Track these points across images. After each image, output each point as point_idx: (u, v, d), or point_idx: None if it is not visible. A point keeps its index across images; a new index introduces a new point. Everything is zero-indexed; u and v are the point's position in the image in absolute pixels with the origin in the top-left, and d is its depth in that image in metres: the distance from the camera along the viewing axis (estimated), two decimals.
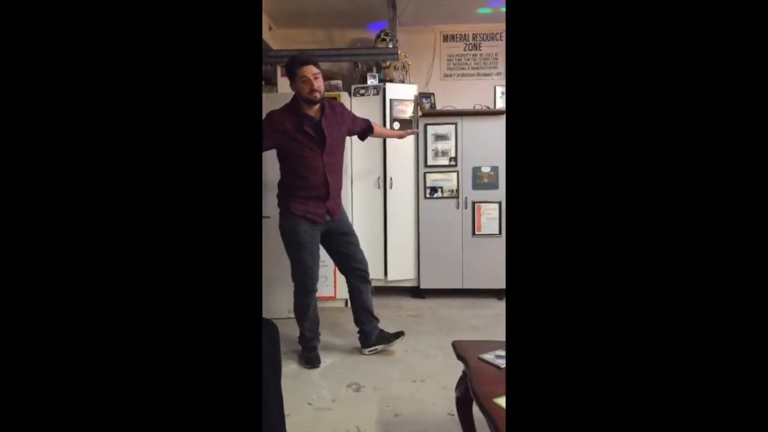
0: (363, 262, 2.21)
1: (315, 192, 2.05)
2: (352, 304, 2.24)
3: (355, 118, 2.27)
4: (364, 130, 2.30)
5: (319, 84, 1.98)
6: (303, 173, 2.05)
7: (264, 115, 2.05)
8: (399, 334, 2.22)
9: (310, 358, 2.14)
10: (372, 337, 2.20)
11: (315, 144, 2.02)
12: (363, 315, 2.21)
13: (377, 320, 2.24)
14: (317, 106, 2.04)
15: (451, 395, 1.41)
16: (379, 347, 2.20)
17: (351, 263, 2.18)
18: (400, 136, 2.51)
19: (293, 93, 2.06)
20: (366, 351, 2.20)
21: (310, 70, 1.95)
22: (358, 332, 2.23)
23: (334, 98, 2.71)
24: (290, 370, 2.04)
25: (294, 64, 1.98)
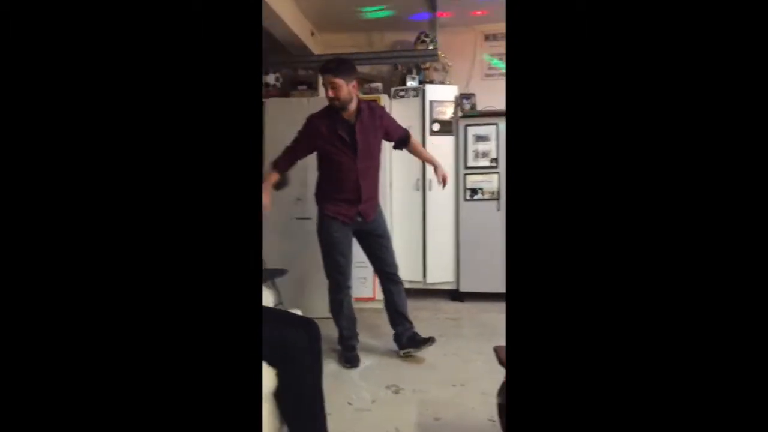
0: (393, 265, 2.21)
1: (347, 195, 2.07)
2: (385, 306, 2.25)
3: (395, 126, 2.24)
4: (401, 140, 2.25)
5: (336, 93, 1.98)
6: (336, 177, 2.08)
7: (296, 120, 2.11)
8: (429, 340, 2.17)
9: (349, 358, 2.16)
10: (403, 338, 2.19)
11: (348, 149, 2.04)
12: (395, 317, 2.21)
13: (410, 323, 2.22)
14: (353, 109, 2.05)
15: (492, 401, 1.38)
16: (411, 350, 2.17)
17: (381, 266, 2.20)
18: (433, 164, 2.27)
19: None
20: (401, 353, 2.19)
21: (327, 79, 2.00)
22: (393, 334, 2.23)
23: (374, 101, 2.72)
24: (330, 369, 2.07)
25: (319, 71, 2.07)
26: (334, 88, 1.98)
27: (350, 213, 2.09)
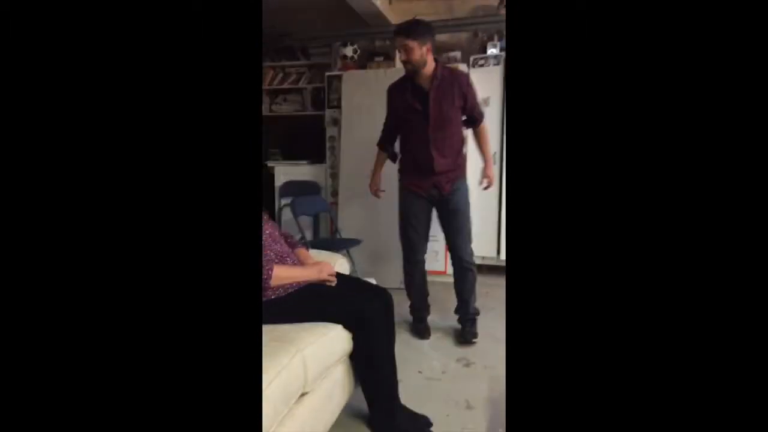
0: (461, 248, 2.07)
1: (421, 167, 2.03)
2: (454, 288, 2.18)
3: (475, 102, 2.06)
4: (472, 117, 2.08)
5: (408, 55, 1.91)
6: (410, 146, 2.06)
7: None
8: (473, 338, 2.07)
9: (419, 329, 2.19)
10: (461, 326, 2.13)
11: (420, 117, 1.98)
12: (458, 302, 2.15)
13: (467, 311, 2.12)
14: (428, 75, 1.96)
15: None
16: (466, 341, 2.07)
17: (451, 246, 2.11)
18: (486, 161, 2.14)
19: None
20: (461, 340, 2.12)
21: (399, 41, 1.93)
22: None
23: (455, 67, 2.62)
24: (402, 338, 2.11)
25: (393, 34, 2.00)
26: (406, 50, 1.91)
27: (424, 185, 2.05)
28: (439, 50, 2.73)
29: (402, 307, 2.30)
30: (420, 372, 1.83)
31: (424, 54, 1.93)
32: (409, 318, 2.27)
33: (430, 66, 1.97)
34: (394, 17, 3.46)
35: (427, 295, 2.24)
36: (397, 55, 3.23)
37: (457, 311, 2.17)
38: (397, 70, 3.03)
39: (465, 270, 2.11)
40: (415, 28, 1.92)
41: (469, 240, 2.10)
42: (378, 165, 2.24)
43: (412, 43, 1.90)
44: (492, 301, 2.44)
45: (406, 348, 2.02)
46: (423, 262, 2.18)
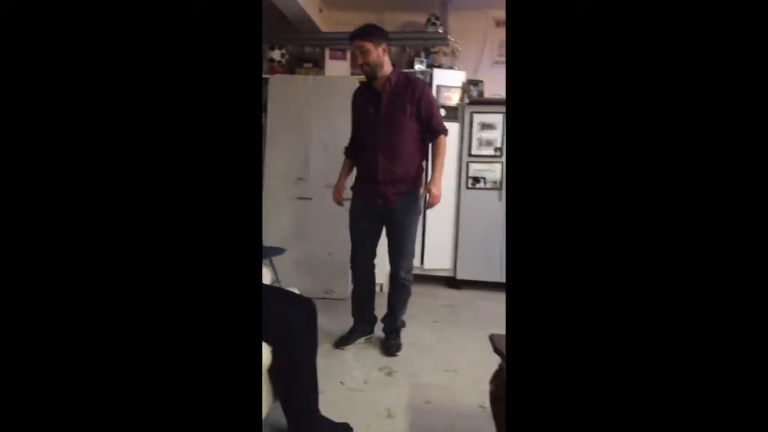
0: (400, 264, 2.04)
1: (369, 174, 2.00)
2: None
3: (432, 112, 1.98)
4: (432, 129, 1.99)
5: (365, 57, 1.90)
6: (363, 153, 2.04)
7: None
8: (396, 350, 2.09)
9: (347, 337, 2.16)
10: (385, 337, 2.14)
11: (372, 121, 1.97)
12: (387, 311, 2.17)
13: (394, 323, 2.13)
14: (383, 78, 1.96)
15: (483, 388, 1.39)
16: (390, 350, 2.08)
17: (391, 260, 2.09)
18: (434, 178, 2.00)
19: (345, 75, 2.05)
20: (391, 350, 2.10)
21: (356, 45, 1.93)
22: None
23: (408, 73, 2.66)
24: (324, 349, 2.08)
25: (349, 39, 1.98)
26: (363, 52, 1.90)
27: (371, 194, 2.00)
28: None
29: (326, 317, 2.27)
30: (342, 383, 1.81)
31: (380, 55, 1.93)
32: (333, 328, 2.24)
33: (387, 69, 1.96)
34: (324, 25, 3.46)
35: (371, 304, 2.19)
36: (329, 69, 3.22)
37: (383, 320, 2.18)
38: (326, 79, 3.02)
39: (401, 286, 2.10)
40: (369, 30, 1.93)
41: (410, 256, 2.08)
42: (343, 173, 2.17)
43: (368, 45, 1.90)
44: (415, 309, 2.48)
45: (328, 359, 1.99)
46: (363, 270, 2.13)
